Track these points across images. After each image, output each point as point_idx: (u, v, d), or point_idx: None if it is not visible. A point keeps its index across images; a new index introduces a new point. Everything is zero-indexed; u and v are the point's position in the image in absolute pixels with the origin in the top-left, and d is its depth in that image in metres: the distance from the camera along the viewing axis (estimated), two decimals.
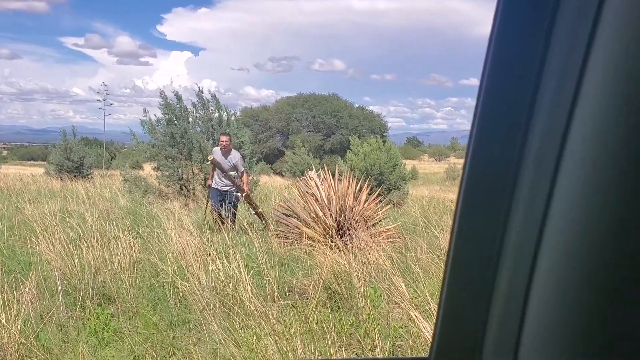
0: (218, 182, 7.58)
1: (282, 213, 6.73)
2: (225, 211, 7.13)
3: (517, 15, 0.53)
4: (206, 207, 7.74)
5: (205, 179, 13.20)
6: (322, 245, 5.18)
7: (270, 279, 4.03)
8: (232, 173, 7.50)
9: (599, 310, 0.49)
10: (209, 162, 7.51)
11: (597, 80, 0.46)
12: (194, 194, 10.88)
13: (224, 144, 7.59)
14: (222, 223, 6.43)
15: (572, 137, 0.48)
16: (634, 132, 0.43)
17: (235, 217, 7.29)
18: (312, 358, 2.75)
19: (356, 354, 3.00)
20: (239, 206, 7.74)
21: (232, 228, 6.25)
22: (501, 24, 0.54)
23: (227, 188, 7.54)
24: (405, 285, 3.45)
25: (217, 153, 7.58)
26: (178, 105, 11.27)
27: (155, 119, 11.33)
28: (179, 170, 11.02)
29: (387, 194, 11.97)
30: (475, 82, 0.60)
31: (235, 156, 7.66)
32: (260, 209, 7.55)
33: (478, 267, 0.61)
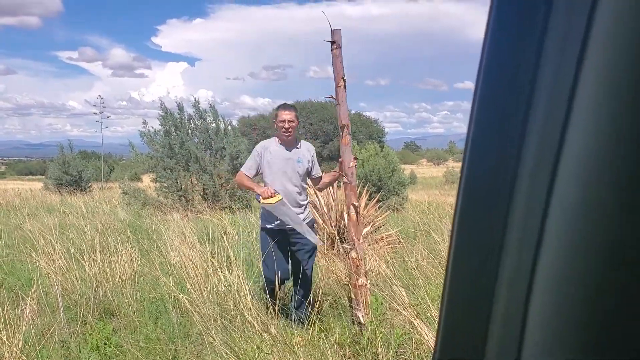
0: (269, 214, 3.80)
1: None
2: (291, 274, 3.94)
3: (510, 16, 0.53)
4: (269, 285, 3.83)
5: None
6: (323, 253, 5.17)
7: None
8: (297, 188, 3.88)
9: (601, 313, 0.49)
10: (270, 200, 3.62)
11: (592, 81, 0.46)
12: (193, 204, 10.87)
13: (287, 126, 3.83)
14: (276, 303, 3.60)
15: (570, 135, 0.48)
16: (630, 134, 0.44)
17: (310, 286, 3.97)
18: None
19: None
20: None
21: (303, 314, 3.76)
22: (494, 26, 0.54)
23: (302, 219, 3.84)
24: (406, 292, 3.45)
25: (274, 151, 3.87)
26: (179, 116, 11.30)
27: (153, 130, 11.36)
28: (178, 181, 11.03)
29: (387, 199, 11.97)
30: (470, 85, 0.61)
31: (308, 150, 4.01)
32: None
33: (478, 269, 0.61)
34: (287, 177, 3.83)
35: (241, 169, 3.92)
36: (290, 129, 3.82)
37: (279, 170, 3.83)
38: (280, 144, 3.89)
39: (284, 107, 3.93)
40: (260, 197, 3.62)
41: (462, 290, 0.62)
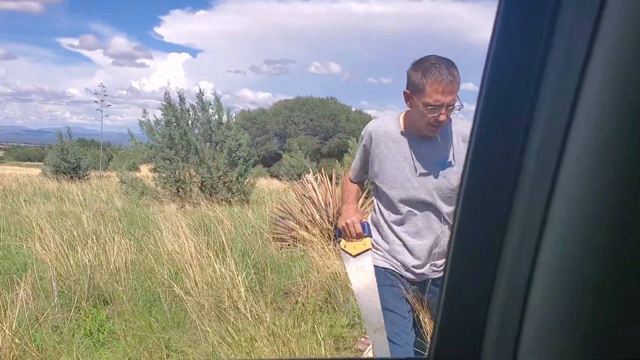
0: (398, 248, 2.03)
1: (279, 216, 6.74)
2: None
3: (517, 19, 0.53)
4: None
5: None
6: (320, 248, 5.17)
7: (267, 282, 4.03)
8: (440, 219, 1.97)
9: (598, 313, 0.49)
10: (349, 246, 2.06)
11: (597, 83, 0.46)
12: (190, 196, 10.86)
13: (440, 120, 1.82)
14: None
15: (573, 135, 0.49)
16: (633, 135, 0.44)
17: None
18: (309, 357, 2.75)
19: (355, 354, 3.00)
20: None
21: None
22: (501, 25, 0.54)
23: (440, 264, 2.02)
24: None
25: (399, 143, 1.98)
26: (180, 107, 11.28)
27: (155, 120, 11.34)
28: (176, 172, 11.01)
29: None
30: (471, 86, 0.60)
31: (464, 139, 1.92)
32: None
33: (477, 269, 0.61)
34: (421, 197, 1.98)
35: (351, 167, 2.33)
36: (443, 124, 1.88)
37: (402, 180, 2.00)
38: (413, 130, 1.99)
39: (440, 72, 1.82)
40: (342, 234, 2.14)
41: (460, 289, 0.62)
